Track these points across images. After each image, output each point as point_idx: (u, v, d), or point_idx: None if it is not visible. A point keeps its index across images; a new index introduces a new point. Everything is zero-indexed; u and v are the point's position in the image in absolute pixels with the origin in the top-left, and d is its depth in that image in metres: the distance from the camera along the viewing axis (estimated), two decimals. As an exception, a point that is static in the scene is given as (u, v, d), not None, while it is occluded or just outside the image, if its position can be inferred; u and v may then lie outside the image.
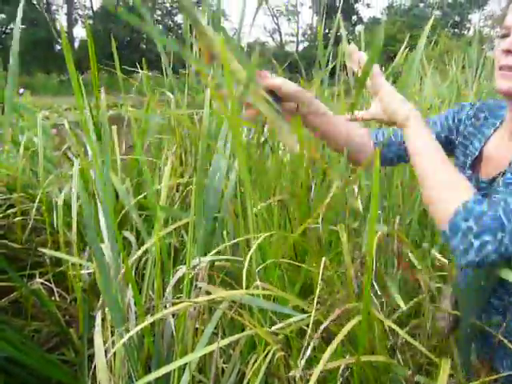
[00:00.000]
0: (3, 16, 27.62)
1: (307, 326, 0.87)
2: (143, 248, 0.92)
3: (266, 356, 0.77)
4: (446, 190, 0.66)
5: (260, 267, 0.87)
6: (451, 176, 0.67)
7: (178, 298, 0.92)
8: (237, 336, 0.78)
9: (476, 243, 0.60)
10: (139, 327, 0.77)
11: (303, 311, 0.83)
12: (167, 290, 0.88)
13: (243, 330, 0.92)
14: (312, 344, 0.70)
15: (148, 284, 1.00)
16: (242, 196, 1.02)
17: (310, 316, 0.73)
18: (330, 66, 2.05)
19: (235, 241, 0.97)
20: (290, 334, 0.81)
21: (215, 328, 0.84)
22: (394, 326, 0.76)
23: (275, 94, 0.76)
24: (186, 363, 0.77)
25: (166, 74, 1.79)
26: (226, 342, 0.76)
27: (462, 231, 0.61)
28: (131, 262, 1.06)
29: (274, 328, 0.78)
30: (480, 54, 2.83)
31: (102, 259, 0.88)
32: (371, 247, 0.68)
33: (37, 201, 1.36)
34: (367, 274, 0.67)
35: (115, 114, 1.69)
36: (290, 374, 0.71)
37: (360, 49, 0.77)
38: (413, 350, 0.86)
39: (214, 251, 0.93)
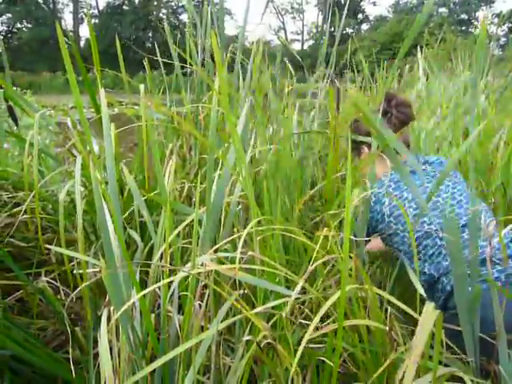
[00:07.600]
0: (9, 16, 27.71)
1: (303, 303, 0.89)
2: (156, 257, 0.92)
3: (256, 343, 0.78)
4: None
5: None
6: None
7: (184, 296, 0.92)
8: (230, 320, 0.80)
9: None
10: (147, 289, 0.77)
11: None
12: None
13: (250, 329, 0.92)
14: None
15: (153, 282, 1.00)
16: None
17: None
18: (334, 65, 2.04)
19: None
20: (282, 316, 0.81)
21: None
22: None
23: None
24: (191, 364, 0.77)
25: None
26: (223, 325, 0.78)
27: None
28: (139, 263, 1.06)
29: (263, 307, 0.79)
30: (487, 51, 2.81)
31: (111, 257, 0.87)
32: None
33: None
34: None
35: (119, 113, 1.68)
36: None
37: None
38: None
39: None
